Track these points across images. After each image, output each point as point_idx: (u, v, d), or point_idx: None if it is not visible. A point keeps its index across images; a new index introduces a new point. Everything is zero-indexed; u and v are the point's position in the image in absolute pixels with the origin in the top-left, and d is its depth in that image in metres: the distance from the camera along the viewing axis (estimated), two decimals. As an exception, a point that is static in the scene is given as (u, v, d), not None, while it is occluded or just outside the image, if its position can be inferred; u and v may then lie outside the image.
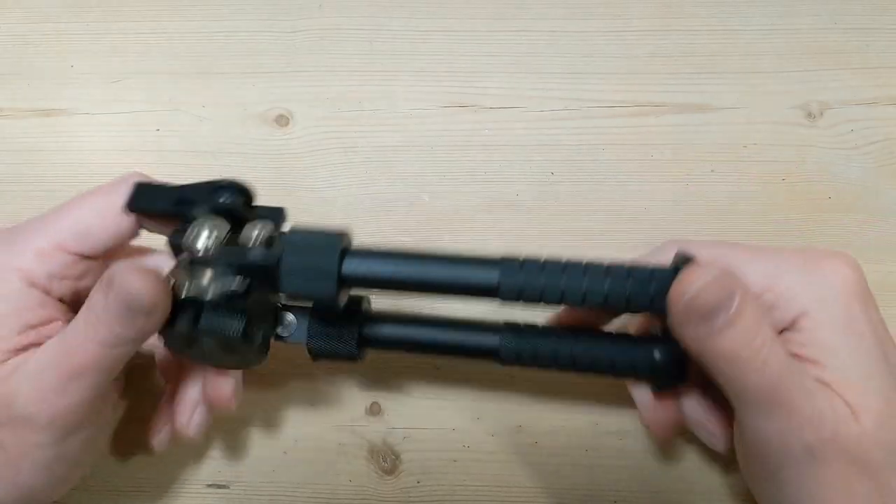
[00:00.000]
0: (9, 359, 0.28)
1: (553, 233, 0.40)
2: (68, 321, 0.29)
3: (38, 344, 0.29)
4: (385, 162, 0.41)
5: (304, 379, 0.39)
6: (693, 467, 0.37)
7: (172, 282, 0.29)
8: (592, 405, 0.38)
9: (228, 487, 0.38)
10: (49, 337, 0.29)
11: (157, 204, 0.30)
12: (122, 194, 0.30)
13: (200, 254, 0.28)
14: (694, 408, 0.32)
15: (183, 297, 0.29)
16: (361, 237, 0.34)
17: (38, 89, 0.43)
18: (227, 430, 0.39)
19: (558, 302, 0.29)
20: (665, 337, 0.30)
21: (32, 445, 0.28)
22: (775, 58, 0.42)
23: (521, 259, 0.29)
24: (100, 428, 0.32)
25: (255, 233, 0.29)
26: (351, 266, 0.29)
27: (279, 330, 0.32)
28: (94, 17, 0.43)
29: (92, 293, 0.28)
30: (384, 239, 0.40)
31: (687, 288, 0.27)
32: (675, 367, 0.30)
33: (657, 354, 0.30)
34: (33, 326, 0.29)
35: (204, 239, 0.28)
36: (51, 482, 0.30)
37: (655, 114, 0.41)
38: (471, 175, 0.41)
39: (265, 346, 0.32)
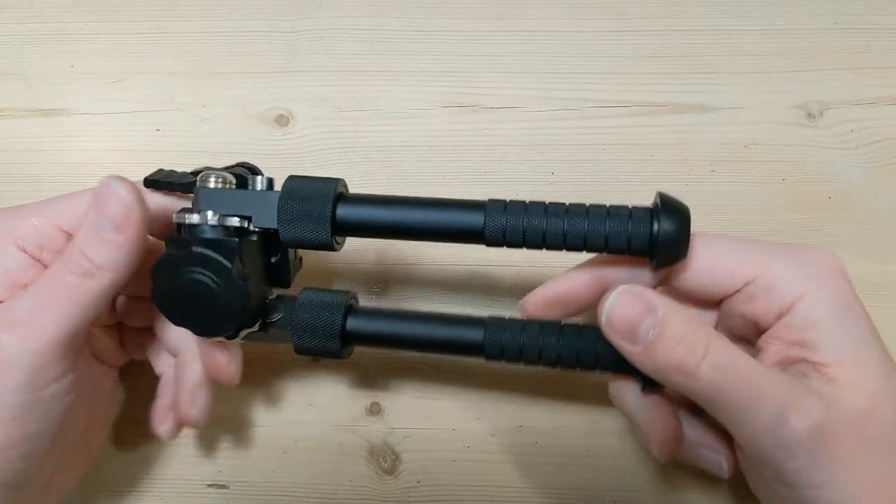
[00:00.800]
0: None
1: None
2: None
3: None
4: (385, 162, 0.41)
5: (305, 379, 0.39)
6: (692, 467, 0.37)
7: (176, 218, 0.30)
8: (592, 405, 0.38)
9: (228, 487, 0.38)
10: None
11: (171, 179, 0.32)
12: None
13: (211, 185, 0.30)
14: (690, 431, 0.31)
15: (185, 224, 0.30)
16: (361, 237, 0.34)
17: (38, 89, 0.43)
18: (227, 430, 0.39)
19: (541, 243, 0.29)
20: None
21: (2, 387, 0.28)
22: (776, 58, 0.41)
23: (505, 201, 0.30)
24: (77, 401, 0.31)
25: (257, 182, 0.31)
26: (344, 211, 0.30)
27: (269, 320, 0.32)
28: (94, 17, 0.43)
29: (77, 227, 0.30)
30: (385, 240, 0.40)
31: (600, 311, 0.28)
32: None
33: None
34: (21, 285, 0.30)
35: (213, 179, 0.31)
36: (19, 448, 0.28)
37: (655, 114, 0.41)
38: (471, 175, 0.41)
39: (248, 318, 0.31)
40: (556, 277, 0.32)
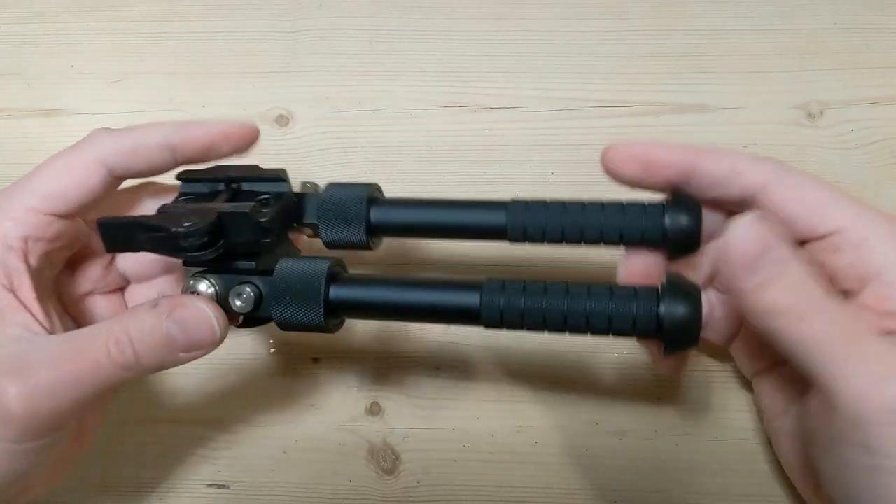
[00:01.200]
0: None
1: (553, 233, 0.40)
2: (43, 289, 0.30)
3: (11, 307, 0.29)
4: (385, 162, 0.41)
5: (305, 379, 0.39)
6: (693, 468, 0.37)
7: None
8: (592, 405, 0.38)
9: (228, 487, 0.38)
10: (25, 304, 0.29)
11: (133, 243, 0.29)
12: (89, 152, 0.30)
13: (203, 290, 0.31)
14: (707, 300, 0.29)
15: None
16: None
17: (38, 89, 0.43)
18: (227, 430, 0.39)
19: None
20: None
21: None
22: (776, 58, 0.41)
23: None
24: (69, 439, 0.30)
25: (238, 302, 0.30)
26: (337, 294, 0.30)
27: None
28: (94, 17, 0.43)
29: (137, 314, 0.28)
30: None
31: (730, 236, 0.25)
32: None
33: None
34: (7, 288, 0.29)
35: (204, 286, 0.31)
36: (3, 478, 0.27)
37: (655, 114, 0.41)
38: (471, 175, 0.41)
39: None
40: (651, 142, 0.30)
